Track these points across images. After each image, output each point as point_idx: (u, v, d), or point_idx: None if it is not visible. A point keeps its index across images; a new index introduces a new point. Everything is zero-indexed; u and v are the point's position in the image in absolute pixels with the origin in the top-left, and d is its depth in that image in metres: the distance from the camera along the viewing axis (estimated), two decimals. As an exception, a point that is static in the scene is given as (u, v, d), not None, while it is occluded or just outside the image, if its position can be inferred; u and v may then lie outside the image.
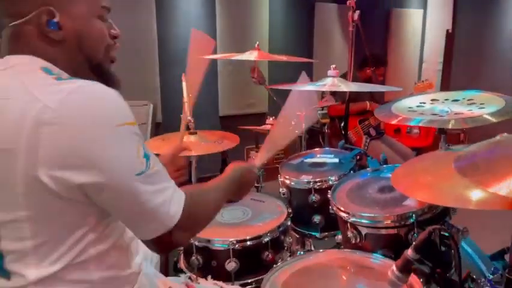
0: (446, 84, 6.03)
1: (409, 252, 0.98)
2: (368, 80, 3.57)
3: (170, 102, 3.85)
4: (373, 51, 3.50)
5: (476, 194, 0.90)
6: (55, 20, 0.81)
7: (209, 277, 1.31)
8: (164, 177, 0.87)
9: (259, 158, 1.36)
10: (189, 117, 1.81)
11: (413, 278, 1.09)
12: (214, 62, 4.26)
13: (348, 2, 2.15)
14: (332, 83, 1.76)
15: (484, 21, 5.78)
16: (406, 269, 0.99)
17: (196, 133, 1.88)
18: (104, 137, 0.76)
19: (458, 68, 6.04)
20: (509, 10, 5.65)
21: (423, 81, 3.96)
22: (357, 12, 2.14)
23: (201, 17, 4.23)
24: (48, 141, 0.73)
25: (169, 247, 0.91)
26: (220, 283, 1.27)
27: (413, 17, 5.81)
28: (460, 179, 0.92)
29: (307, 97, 1.66)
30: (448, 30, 5.85)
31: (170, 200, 0.85)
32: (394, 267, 1.02)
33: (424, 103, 1.53)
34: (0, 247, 0.80)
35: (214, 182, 1.07)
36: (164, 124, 3.85)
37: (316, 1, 4.90)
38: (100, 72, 0.90)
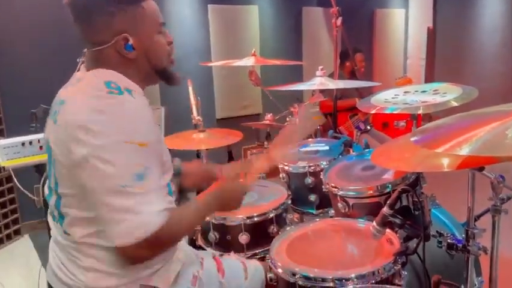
0: (430, 78, 6.34)
1: (385, 209, 1.27)
2: (352, 72, 3.85)
3: (169, 105, 4.10)
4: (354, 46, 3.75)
5: (431, 161, 1.19)
6: (130, 43, 1.07)
7: (232, 253, 1.57)
8: (145, 201, 0.97)
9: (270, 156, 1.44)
10: (198, 117, 2.09)
11: (390, 233, 1.37)
12: (209, 68, 4.53)
13: (331, 10, 2.43)
14: (320, 82, 2.04)
15: (463, 17, 6.11)
16: (383, 222, 1.28)
17: (205, 131, 2.15)
18: (114, 143, 0.97)
19: (441, 62, 6.36)
20: (486, 5, 5.98)
21: (403, 76, 4.29)
22: (340, 18, 2.42)
23: (194, 25, 4.47)
24: (80, 137, 0.97)
25: (128, 259, 1.02)
26: (241, 258, 1.51)
27: (395, 16, 6.13)
28: (421, 151, 1.20)
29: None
30: (429, 27, 6.16)
31: (138, 222, 0.96)
32: (374, 223, 1.30)
33: (398, 95, 1.81)
34: (62, 211, 1.07)
35: (200, 199, 1.19)
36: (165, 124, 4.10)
37: (303, 6, 5.18)
38: (164, 75, 1.17)
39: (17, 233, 3.54)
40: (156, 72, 1.16)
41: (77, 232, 1.06)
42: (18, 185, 2.19)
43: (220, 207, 1.24)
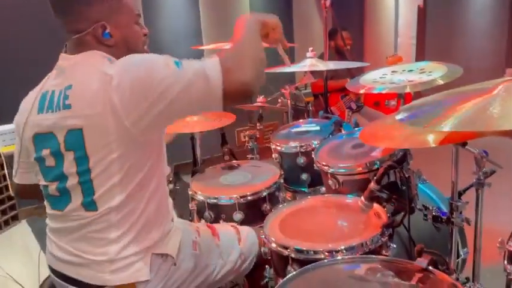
0: (421, 56, 6.38)
1: (372, 185, 1.33)
2: (341, 52, 3.87)
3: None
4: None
5: (416, 137, 1.24)
6: (107, 31, 1.15)
7: (221, 221, 1.65)
8: (193, 64, 1.09)
9: None
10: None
11: (378, 208, 1.43)
12: (200, 52, 4.52)
13: (320, -9, 2.44)
14: (310, 63, 2.08)
15: (453, -5, 6.12)
16: (370, 197, 1.34)
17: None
18: (144, 70, 1.06)
19: (431, 40, 6.39)
20: (476, -17, 5.99)
21: (393, 55, 4.32)
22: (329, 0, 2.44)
23: (185, 8, 4.46)
24: (120, 95, 1.04)
25: (236, 93, 1.09)
26: (232, 223, 1.60)
27: (386, -6, 6.13)
28: (406, 129, 1.26)
29: None
30: (419, 6, 6.17)
31: (206, 68, 1.07)
32: (362, 198, 1.36)
33: (386, 75, 1.85)
34: (93, 184, 1.11)
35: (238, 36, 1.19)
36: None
37: (293, -14, 5.17)
38: None
39: (15, 218, 3.58)
40: None
41: (115, 199, 1.11)
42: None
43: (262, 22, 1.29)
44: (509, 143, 3.40)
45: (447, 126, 0.97)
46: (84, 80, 1.10)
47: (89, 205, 1.13)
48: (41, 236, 3.22)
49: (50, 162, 1.16)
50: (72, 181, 1.13)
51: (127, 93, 1.04)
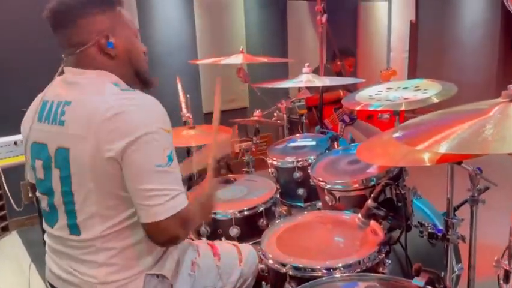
0: (413, 70, 6.47)
1: (369, 202, 1.34)
2: (339, 72, 3.94)
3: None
4: (342, 44, 3.84)
5: (412, 156, 1.26)
6: (111, 40, 1.15)
7: (223, 238, 1.64)
8: (177, 181, 1.08)
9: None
10: (188, 114, 2.13)
11: (375, 224, 1.44)
12: (195, 66, 4.54)
13: (316, 8, 2.48)
14: (307, 79, 2.10)
15: (445, 11, 6.22)
16: (367, 214, 1.35)
17: (194, 127, 2.20)
18: (146, 131, 1.04)
19: (423, 55, 6.48)
20: (467, 0, 6.10)
21: (387, 69, 4.37)
22: (325, 16, 2.47)
23: (180, 21, 4.47)
24: (109, 130, 1.03)
25: (165, 235, 1.08)
26: (234, 242, 1.58)
27: (379, 9, 6.20)
28: (403, 147, 1.27)
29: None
30: (411, 21, 6.26)
31: (175, 196, 1.06)
32: (359, 215, 1.37)
33: (381, 91, 1.88)
34: (75, 208, 1.11)
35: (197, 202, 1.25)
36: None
37: None
38: (144, 78, 1.25)
39: (5, 229, 3.53)
40: (136, 74, 1.23)
41: (96, 228, 1.10)
42: (4, 183, 2.20)
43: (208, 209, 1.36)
44: (503, 158, 3.44)
45: (443, 148, 0.98)
46: (84, 101, 1.09)
47: (73, 228, 1.13)
48: (31, 247, 3.19)
49: (40, 174, 1.16)
50: (58, 199, 1.13)
51: (118, 133, 1.03)
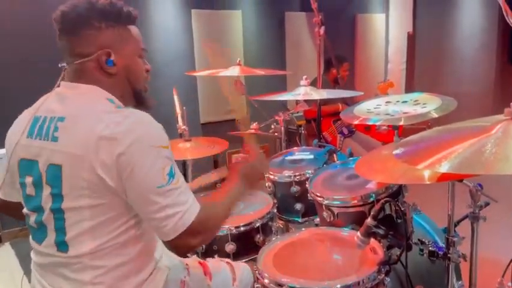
0: (410, 81, 6.48)
1: (368, 220, 1.31)
2: (335, 79, 3.92)
3: (153, 112, 4.10)
4: (337, 53, 3.83)
5: (412, 173, 1.23)
6: (111, 58, 1.12)
7: (215, 256, 1.60)
8: (183, 194, 1.06)
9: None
10: (184, 127, 2.10)
11: (374, 243, 1.41)
12: (193, 78, 4.53)
13: (314, 19, 2.47)
14: (305, 91, 2.08)
15: (442, 22, 6.25)
16: (367, 233, 1.31)
17: (191, 140, 2.17)
18: (142, 151, 1.02)
19: (421, 66, 6.50)
20: (465, 12, 6.13)
21: (385, 81, 4.37)
22: (323, 27, 2.46)
23: (178, 32, 4.48)
24: (105, 149, 1.01)
25: (182, 248, 1.11)
26: (227, 259, 1.55)
27: (376, 21, 6.24)
28: (402, 164, 1.24)
29: None
30: (408, 32, 6.29)
31: (184, 212, 1.04)
32: (359, 233, 1.34)
33: (380, 105, 1.86)
34: (65, 224, 1.07)
35: (225, 191, 1.24)
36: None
37: (286, 10, 5.23)
38: (140, 98, 1.22)
39: (-2, 241, 3.48)
40: (133, 93, 1.20)
41: (85, 245, 1.07)
42: None
43: (247, 186, 1.31)
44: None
45: (445, 167, 0.95)
46: (78, 118, 1.07)
47: (61, 245, 1.09)
48: (24, 259, 3.13)
49: (31, 191, 1.13)
50: (47, 216, 1.10)
51: (111, 158, 1.01)
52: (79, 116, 1.07)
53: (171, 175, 1.04)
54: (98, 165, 1.01)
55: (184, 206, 1.05)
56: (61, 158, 1.05)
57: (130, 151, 1.01)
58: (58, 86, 1.15)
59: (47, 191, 1.08)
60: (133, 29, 1.19)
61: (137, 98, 1.21)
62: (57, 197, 1.07)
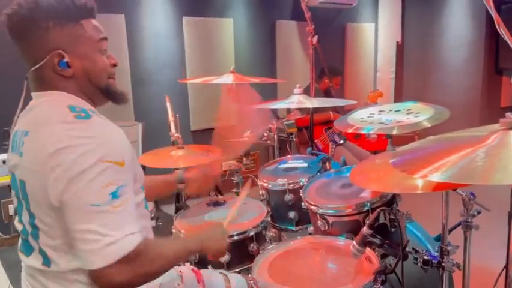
0: (399, 91, 6.55)
1: (364, 229, 1.31)
2: (327, 90, 3.96)
3: (144, 120, 4.07)
4: (330, 63, 3.87)
5: (407, 182, 1.23)
6: (65, 60, 1.04)
7: (209, 266, 1.58)
8: (124, 222, 0.95)
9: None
10: (177, 134, 2.09)
11: (369, 252, 1.41)
12: (184, 85, 4.51)
13: (307, 28, 2.49)
14: (298, 100, 2.08)
15: (430, 32, 6.34)
16: (363, 242, 1.31)
17: (183, 147, 2.15)
18: (87, 164, 0.94)
19: (409, 75, 6.58)
20: (452, 22, 6.23)
21: (374, 90, 4.43)
22: (316, 37, 2.48)
23: (170, 39, 4.47)
24: (55, 164, 0.94)
25: (103, 283, 0.96)
26: (221, 270, 1.53)
27: (366, 30, 6.30)
28: (397, 172, 1.25)
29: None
30: (397, 42, 6.37)
31: (118, 239, 0.93)
32: (354, 242, 1.34)
33: (373, 114, 1.87)
34: (41, 243, 1.05)
35: (180, 240, 1.21)
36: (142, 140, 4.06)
37: (277, 19, 5.26)
38: (109, 93, 1.14)
39: (-16, 250, 3.41)
40: (100, 91, 1.13)
41: (62, 261, 1.04)
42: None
43: (203, 246, 1.22)
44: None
45: (442, 177, 0.96)
46: (36, 132, 1.01)
47: (45, 259, 1.06)
48: (11, 267, 3.07)
49: (15, 203, 1.13)
50: (28, 230, 1.08)
51: (58, 171, 0.95)
52: (37, 129, 1.02)
53: (114, 196, 0.95)
54: (47, 185, 0.96)
55: (120, 232, 0.94)
56: (24, 174, 1.03)
57: (76, 163, 0.93)
58: (25, 97, 1.11)
59: (24, 205, 1.07)
60: (88, 23, 1.08)
61: (106, 95, 1.14)
62: (30, 212, 1.05)
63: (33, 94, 1.10)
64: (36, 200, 1.02)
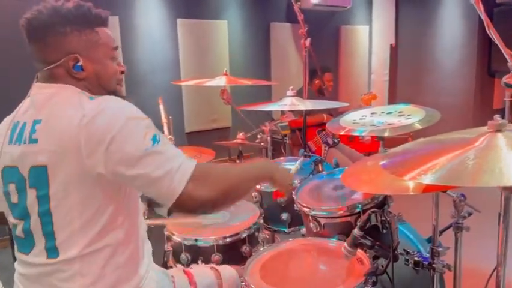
0: (393, 93, 6.58)
1: (355, 231, 1.31)
2: (320, 90, 3.97)
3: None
4: (323, 65, 3.88)
5: (398, 184, 1.24)
6: (79, 63, 1.12)
7: (199, 261, 1.58)
8: (171, 154, 1.04)
9: None
10: (170, 136, 2.09)
11: (360, 253, 1.41)
12: (178, 87, 4.51)
13: (300, 31, 2.49)
14: (291, 102, 2.09)
15: (424, 35, 6.38)
16: (354, 243, 1.32)
17: (176, 150, 2.15)
18: (120, 123, 1.01)
19: (403, 77, 6.62)
20: (445, 24, 6.28)
21: (368, 92, 4.45)
22: (309, 39, 2.49)
23: (164, 41, 4.47)
24: (87, 135, 1.00)
25: (194, 201, 1.04)
26: (211, 264, 1.53)
27: (360, 33, 6.34)
28: (388, 174, 1.26)
29: None
30: (391, 44, 6.41)
31: (181, 163, 1.03)
32: (345, 244, 1.34)
33: (365, 116, 1.88)
34: (53, 228, 1.06)
35: (248, 164, 1.27)
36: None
37: (271, 21, 5.28)
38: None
39: (-25, 252, 3.38)
40: (107, 93, 1.19)
41: (75, 246, 1.05)
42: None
43: (272, 176, 1.29)
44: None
45: (431, 179, 0.97)
46: (55, 115, 1.06)
47: (51, 251, 1.07)
48: (2, 270, 3.04)
49: (14, 198, 1.11)
50: (34, 222, 1.08)
51: (94, 141, 1.01)
52: (54, 114, 1.06)
53: (155, 140, 1.03)
54: (84, 154, 1.01)
55: (179, 158, 1.04)
56: (45, 158, 1.04)
57: (109, 127, 1.01)
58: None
59: (32, 195, 1.07)
60: (103, 31, 1.17)
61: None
62: (44, 198, 1.05)
63: (38, 85, 1.13)
64: (61, 180, 1.03)
